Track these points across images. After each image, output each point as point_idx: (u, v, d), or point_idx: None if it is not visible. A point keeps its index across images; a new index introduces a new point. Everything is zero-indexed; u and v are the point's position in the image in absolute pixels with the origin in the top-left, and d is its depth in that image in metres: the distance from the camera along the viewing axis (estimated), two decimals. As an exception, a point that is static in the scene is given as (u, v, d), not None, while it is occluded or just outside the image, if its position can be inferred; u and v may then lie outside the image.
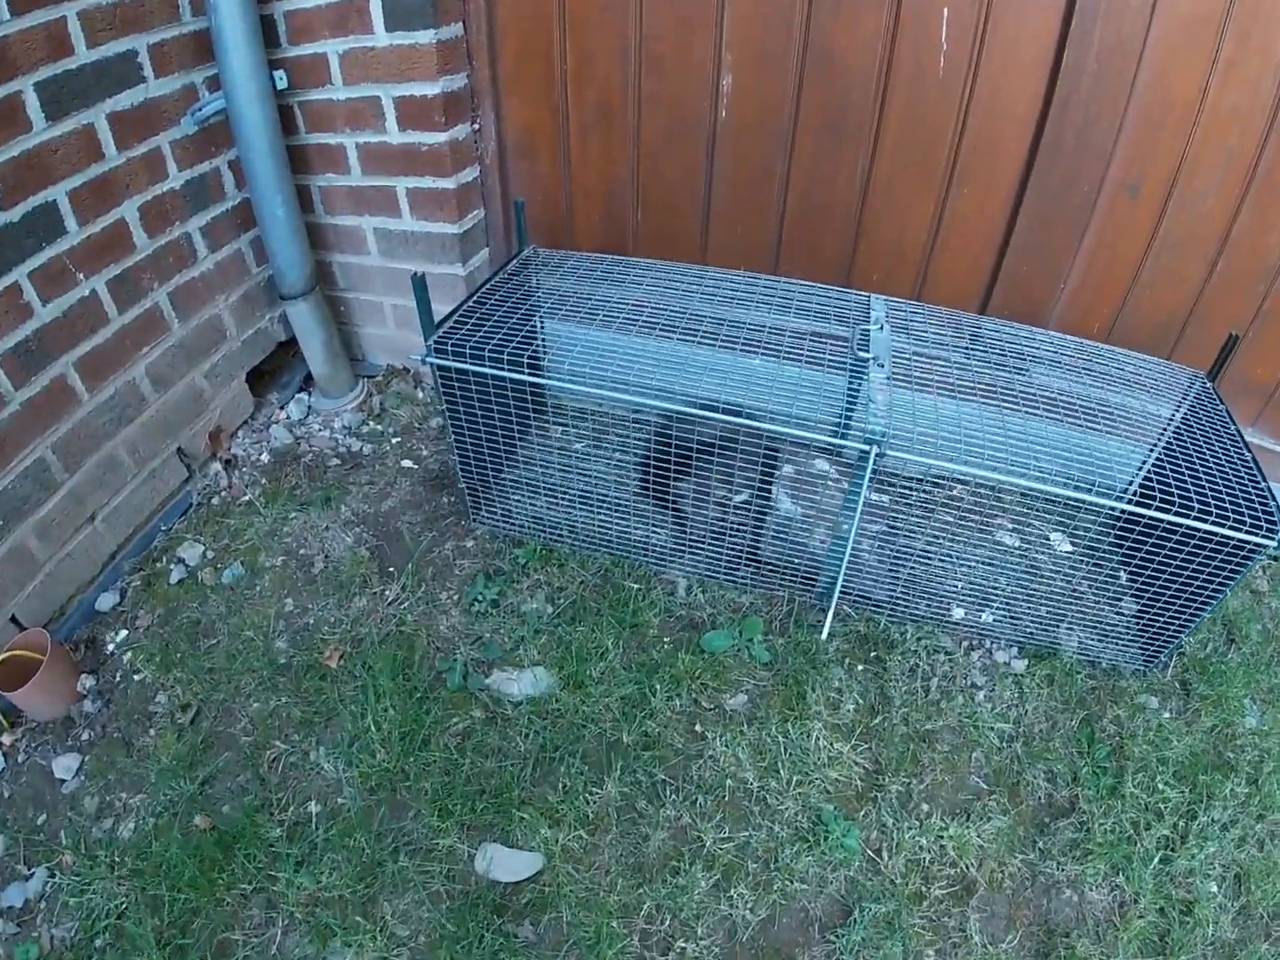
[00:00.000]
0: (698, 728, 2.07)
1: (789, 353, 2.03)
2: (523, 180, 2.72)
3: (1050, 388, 2.16)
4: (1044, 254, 2.43)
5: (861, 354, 2.04)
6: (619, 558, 2.37)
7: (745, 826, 1.93)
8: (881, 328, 2.15)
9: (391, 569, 2.41)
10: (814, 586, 2.23)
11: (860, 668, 2.18)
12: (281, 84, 2.56)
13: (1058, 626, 2.31)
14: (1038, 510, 2.56)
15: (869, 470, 1.85)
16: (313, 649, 2.27)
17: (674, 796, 1.96)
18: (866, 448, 1.86)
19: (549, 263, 2.42)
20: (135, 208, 2.37)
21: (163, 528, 2.62)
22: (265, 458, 2.76)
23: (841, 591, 2.18)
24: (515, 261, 2.40)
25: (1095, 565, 2.44)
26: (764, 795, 1.97)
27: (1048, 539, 2.56)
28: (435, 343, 2.09)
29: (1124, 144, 2.22)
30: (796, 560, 2.21)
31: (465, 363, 2.05)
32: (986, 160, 2.34)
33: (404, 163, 2.63)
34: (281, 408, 2.90)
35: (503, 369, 2.00)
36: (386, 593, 2.34)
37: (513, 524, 2.43)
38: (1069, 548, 2.55)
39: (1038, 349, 2.26)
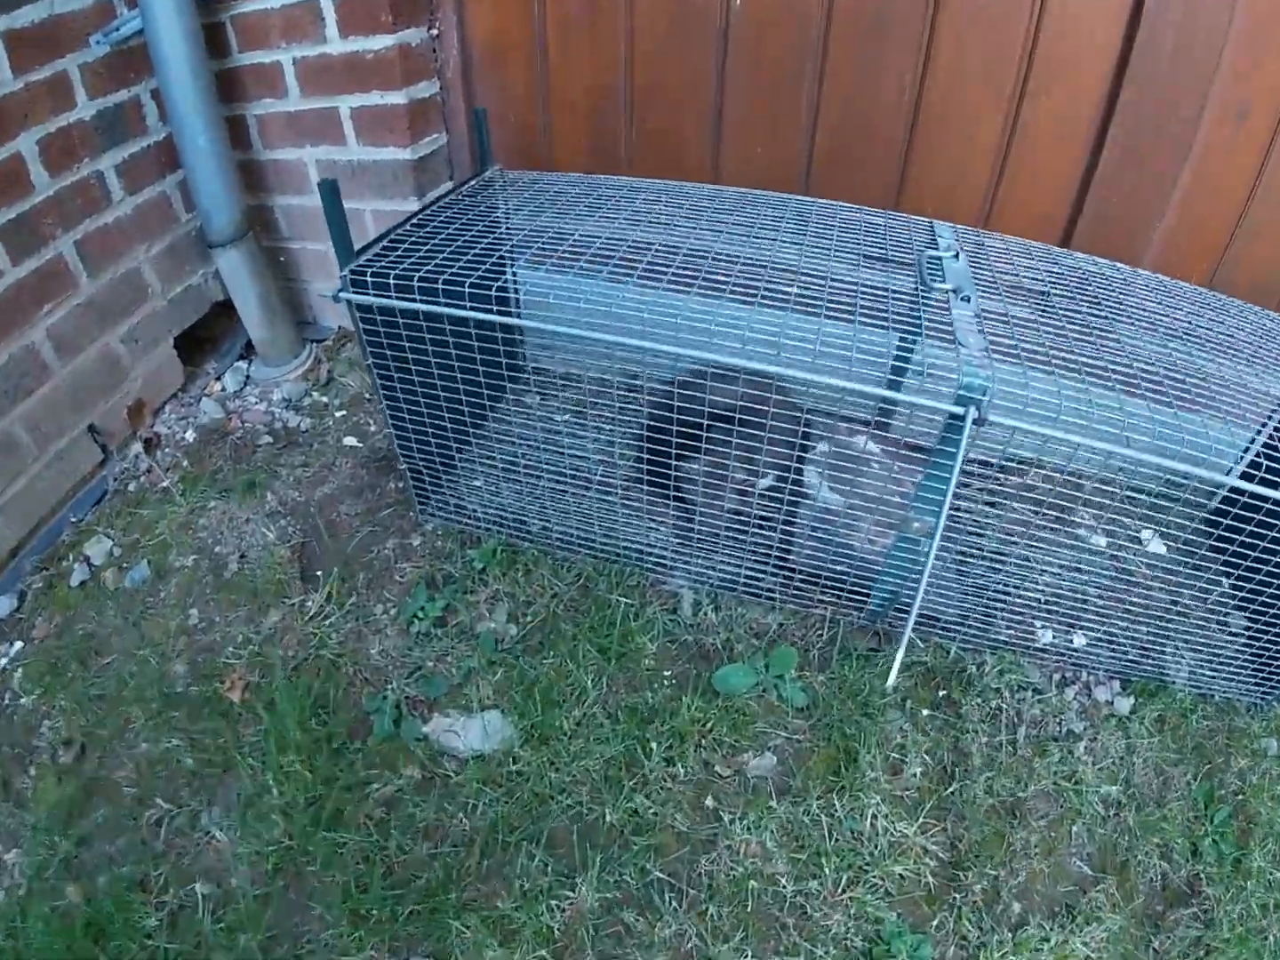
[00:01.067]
0: (709, 803, 1.29)
1: (834, 304, 1.30)
2: (492, 98, 1.93)
3: (1139, 353, 1.42)
4: (1137, 185, 1.65)
5: (936, 284, 1.30)
6: (604, 563, 1.57)
7: (776, 948, 1.18)
8: (956, 255, 1.41)
9: (319, 572, 1.63)
10: (865, 603, 1.45)
11: (926, 713, 1.40)
12: (204, -10, 1.84)
13: (1163, 651, 1.57)
14: (1122, 504, 1.81)
15: (964, 443, 1.11)
16: (213, 676, 1.52)
17: (675, 904, 1.20)
18: (960, 409, 1.12)
19: (516, 184, 1.64)
20: (34, 141, 1.66)
21: (72, 519, 1.85)
22: (190, 436, 2.02)
23: (898, 609, 1.45)
24: (475, 182, 1.64)
25: (1194, 571, 1.71)
26: (802, 902, 1.21)
27: (1138, 539, 1.82)
28: (353, 273, 1.35)
29: (1229, 57, 1.48)
30: (840, 567, 1.43)
31: (391, 297, 1.32)
32: (1067, 68, 1.56)
33: (347, 76, 1.86)
34: (218, 379, 2.14)
35: (439, 303, 1.25)
36: (307, 604, 1.56)
37: (468, 517, 1.66)
38: (1162, 549, 1.81)
39: (1131, 297, 1.52)
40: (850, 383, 1.05)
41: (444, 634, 1.49)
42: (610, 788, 1.29)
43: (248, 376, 2.09)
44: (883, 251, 1.33)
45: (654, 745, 1.32)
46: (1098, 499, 1.69)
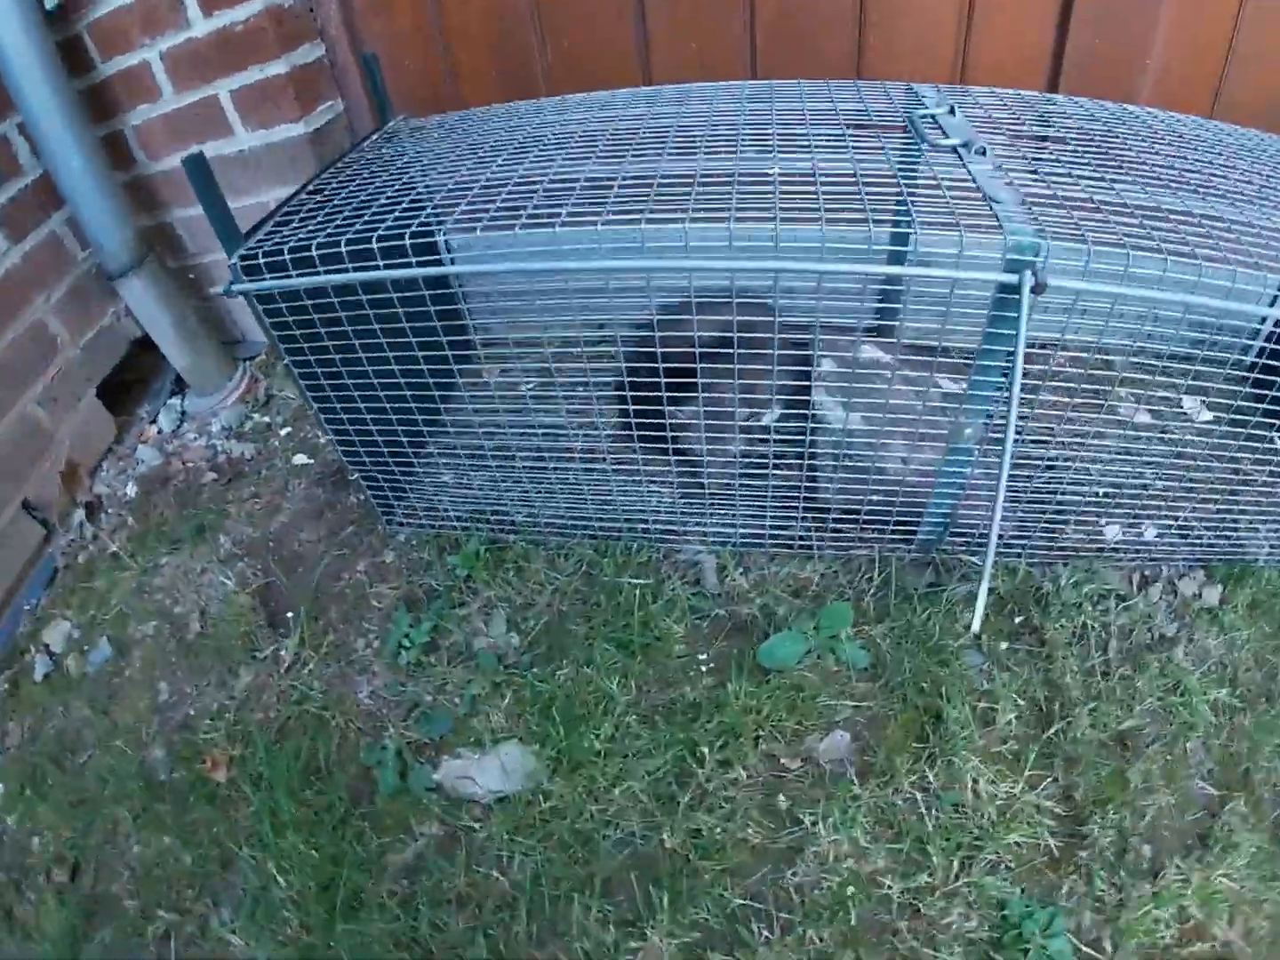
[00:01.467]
0: (781, 803, 1.02)
1: (830, 185, 1.01)
2: (383, 44, 1.58)
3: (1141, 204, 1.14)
4: (1118, 22, 1.39)
5: (939, 142, 1.02)
6: (605, 542, 1.28)
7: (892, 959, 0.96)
8: (951, 110, 1.13)
9: (288, 614, 1.34)
10: (914, 532, 1.17)
11: (1005, 647, 1.13)
12: (50, 2, 1.52)
13: (1237, 526, 1.32)
14: (1164, 372, 1.54)
15: (1024, 319, 0.84)
16: (193, 757, 1.23)
17: (766, 933, 0.93)
18: (1012, 277, 0.85)
19: (422, 131, 1.31)
20: (-105, 207, 1.35)
21: (26, 606, 1.55)
22: (131, 490, 1.72)
23: (953, 533, 1.18)
24: (376, 137, 1.32)
25: (1242, 431, 1.44)
26: (912, 900, 0.94)
27: (1181, 409, 1.56)
28: (244, 259, 1.06)
29: None
30: (877, 497, 1.14)
31: (292, 276, 1.03)
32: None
33: (220, 57, 1.53)
34: (152, 421, 1.84)
35: (346, 269, 0.95)
36: (281, 654, 1.28)
37: (442, 519, 1.35)
38: (1209, 416, 1.55)
39: (1148, 137, 1.24)
40: (874, 266, 0.78)
41: (437, 660, 1.20)
42: (663, 809, 1.01)
43: (183, 412, 1.79)
44: (866, 118, 1.05)
45: (704, 749, 1.04)
46: (1135, 373, 1.44)
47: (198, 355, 1.74)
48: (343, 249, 0.95)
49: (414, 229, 0.91)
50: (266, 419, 1.69)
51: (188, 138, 1.68)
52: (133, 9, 1.54)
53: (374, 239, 0.92)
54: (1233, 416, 1.20)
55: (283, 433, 1.64)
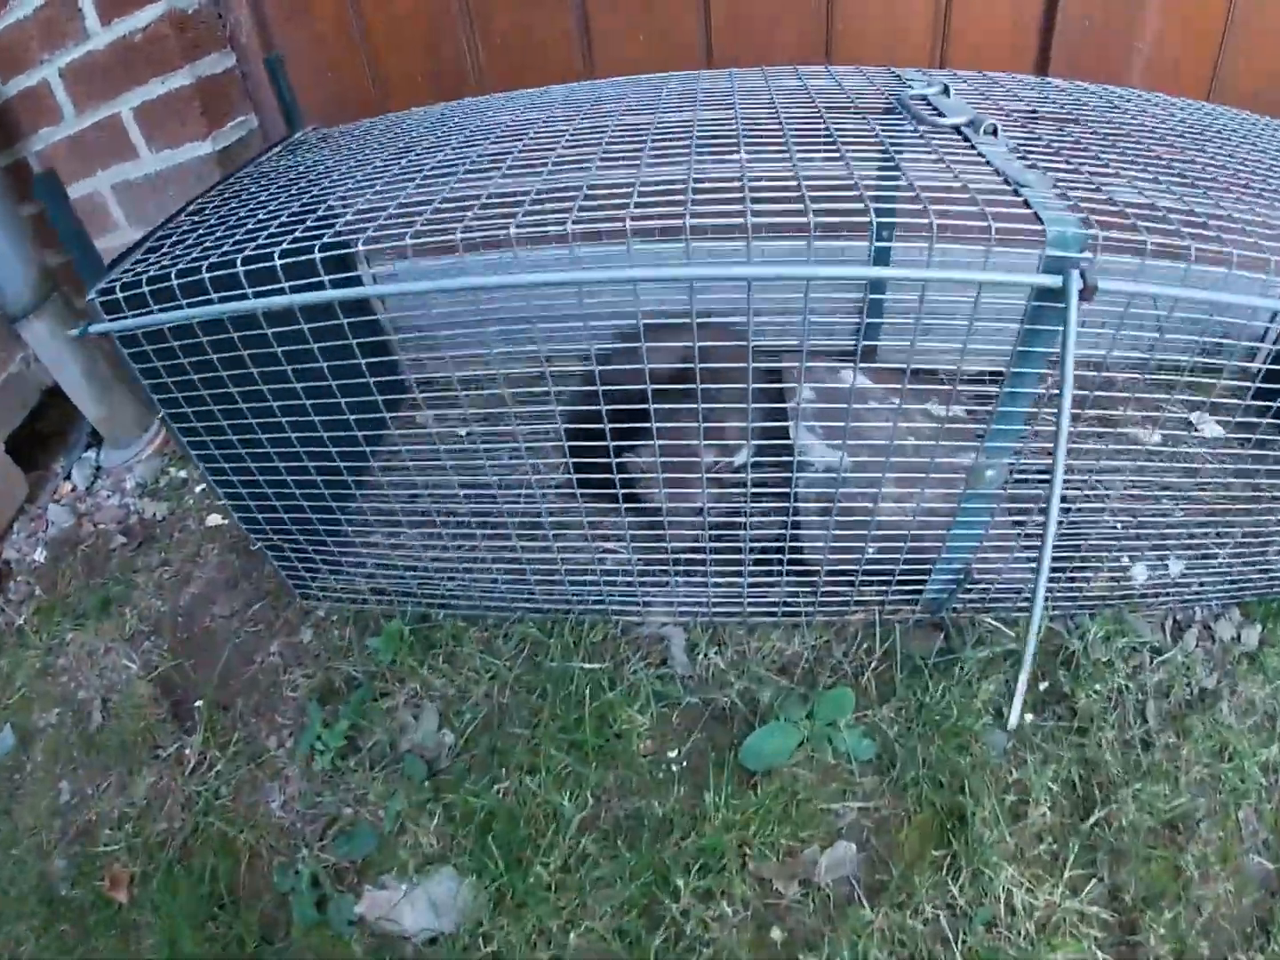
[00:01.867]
0: (776, 937, 0.78)
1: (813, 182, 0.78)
2: (301, 52, 1.34)
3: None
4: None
5: (936, 119, 0.81)
6: (552, 618, 1.02)
7: None
8: (945, 90, 0.92)
9: (196, 702, 1.09)
10: (919, 590, 0.93)
11: (1032, 721, 0.89)
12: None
13: (1266, 554, 1.11)
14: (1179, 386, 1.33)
15: (1073, 331, 0.63)
16: (94, 871, 0.99)
17: None
18: (1054, 281, 0.64)
19: (329, 140, 1.08)
20: None
21: None
22: (40, 555, 1.47)
23: (964, 589, 0.96)
24: (279, 149, 1.07)
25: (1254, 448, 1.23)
26: (946, 1055, 0.76)
27: (1189, 424, 1.36)
28: (103, 294, 0.83)
29: None
30: (873, 551, 0.90)
31: (151, 312, 0.80)
32: None
33: (121, 71, 1.31)
34: (67, 477, 1.60)
35: (211, 300, 0.73)
36: (185, 753, 1.02)
37: (368, 592, 1.09)
38: (1219, 431, 1.35)
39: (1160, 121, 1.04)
40: (878, 270, 0.57)
41: (358, 764, 0.94)
42: (631, 954, 0.77)
43: (98, 467, 1.53)
44: (846, 101, 0.84)
45: (679, 878, 0.79)
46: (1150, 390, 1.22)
47: (111, 405, 1.48)
48: (204, 276, 0.72)
49: (284, 247, 0.68)
50: (183, 473, 1.42)
51: (92, 163, 1.44)
52: (31, 21, 1.32)
53: (239, 262, 0.69)
54: (1257, 436, 1.01)
55: (198, 489, 1.37)
